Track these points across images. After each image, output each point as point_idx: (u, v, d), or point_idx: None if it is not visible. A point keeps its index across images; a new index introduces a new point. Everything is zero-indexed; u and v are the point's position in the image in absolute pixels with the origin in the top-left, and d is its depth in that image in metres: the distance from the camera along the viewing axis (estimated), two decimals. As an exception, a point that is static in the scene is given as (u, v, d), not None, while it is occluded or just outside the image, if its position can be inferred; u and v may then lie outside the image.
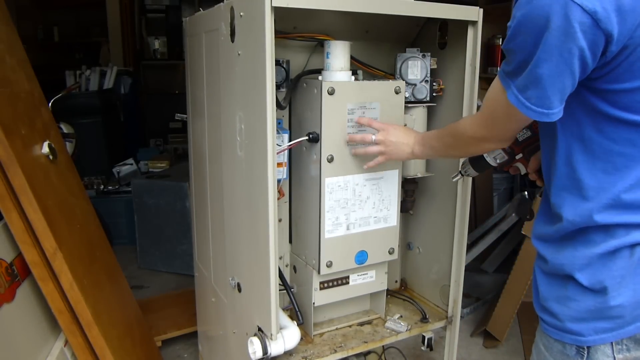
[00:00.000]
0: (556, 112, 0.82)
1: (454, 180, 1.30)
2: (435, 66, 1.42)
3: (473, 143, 1.05)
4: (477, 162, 1.21)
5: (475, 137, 1.03)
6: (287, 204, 1.48)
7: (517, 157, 1.12)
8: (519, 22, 0.79)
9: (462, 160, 1.28)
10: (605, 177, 0.86)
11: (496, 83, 0.90)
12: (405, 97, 1.38)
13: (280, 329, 1.23)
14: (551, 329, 0.95)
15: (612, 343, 0.88)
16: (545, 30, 0.75)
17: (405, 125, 1.41)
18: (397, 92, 1.34)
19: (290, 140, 1.34)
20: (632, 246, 0.85)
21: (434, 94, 1.44)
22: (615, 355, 0.88)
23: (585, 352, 0.90)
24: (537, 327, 1.02)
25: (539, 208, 1.02)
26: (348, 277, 1.43)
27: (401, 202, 1.46)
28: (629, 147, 0.83)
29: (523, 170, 1.16)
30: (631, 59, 0.76)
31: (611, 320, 0.87)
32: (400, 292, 1.69)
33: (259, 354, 1.20)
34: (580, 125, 0.86)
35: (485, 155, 1.17)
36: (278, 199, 1.24)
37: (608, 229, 0.87)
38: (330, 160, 1.28)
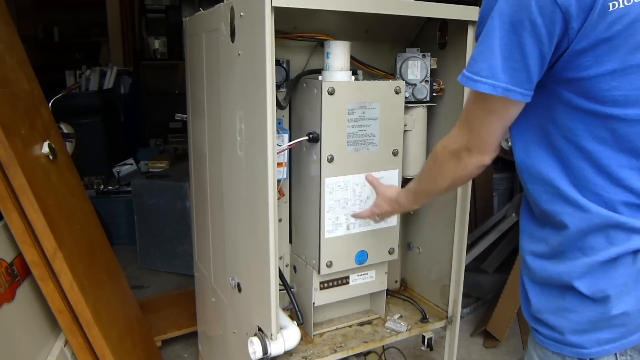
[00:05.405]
0: (503, 86, 0.78)
1: None
2: (435, 66, 1.42)
3: (454, 159, 0.95)
4: None
5: (456, 150, 0.94)
6: (287, 204, 1.48)
7: None
8: (483, 6, 0.80)
9: None
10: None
11: None
12: (405, 97, 1.38)
13: (280, 329, 1.23)
14: (548, 342, 0.90)
15: (616, 354, 0.84)
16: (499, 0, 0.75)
17: (405, 124, 1.41)
18: (397, 92, 1.34)
19: (290, 140, 1.34)
20: (635, 252, 0.82)
21: (434, 94, 1.44)
22: None
23: None
24: (529, 336, 0.99)
25: (522, 224, 0.97)
26: (348, 277, 1.43)
27: (401, 202, 1.46)
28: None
29: None
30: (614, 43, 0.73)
31: (614, 329, 0.83)
32: (400, 292, 1.69)
33: (259, 354, 1.20)
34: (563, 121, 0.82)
35: None
36: (278, 199, 1.24)
37: (606, 231, 0.83)
38: (330, 160, 1.28)
